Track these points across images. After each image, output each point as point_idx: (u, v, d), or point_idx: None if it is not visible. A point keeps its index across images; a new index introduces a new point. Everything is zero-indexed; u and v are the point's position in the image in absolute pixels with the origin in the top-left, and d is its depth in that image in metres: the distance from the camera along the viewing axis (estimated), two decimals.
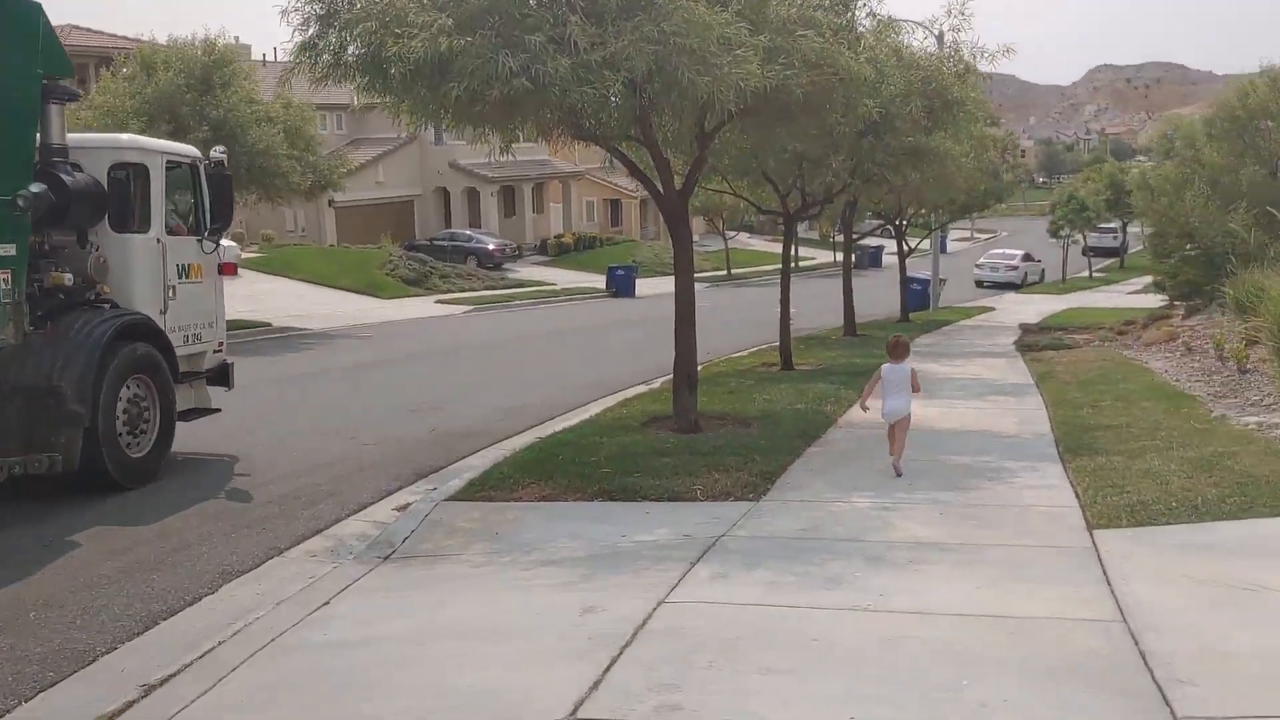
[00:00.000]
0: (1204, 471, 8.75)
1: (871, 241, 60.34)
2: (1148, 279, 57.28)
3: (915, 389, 10.02)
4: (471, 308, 35.89)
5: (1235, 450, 9.48)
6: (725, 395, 14.01)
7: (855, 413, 12.28)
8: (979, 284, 50.53)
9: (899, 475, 9.42)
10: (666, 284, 41.95)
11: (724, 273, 52.97)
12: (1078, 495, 8.57)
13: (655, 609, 6.13)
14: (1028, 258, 52.90)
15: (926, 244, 39.60)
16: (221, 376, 11.72)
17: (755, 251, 62.02)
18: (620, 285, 42.85)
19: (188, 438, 11.14)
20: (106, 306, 9.93)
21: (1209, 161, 23.87)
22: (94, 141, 10.89)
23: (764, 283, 46.55)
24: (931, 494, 8.86)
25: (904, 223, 30.72)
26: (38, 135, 9.24)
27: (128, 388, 9.73)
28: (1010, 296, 45.37)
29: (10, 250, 8.59)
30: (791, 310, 22.43)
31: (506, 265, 51.76)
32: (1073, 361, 18.79)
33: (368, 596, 6.84)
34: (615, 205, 68.91)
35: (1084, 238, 55.11)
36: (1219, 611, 5.95)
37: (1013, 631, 5.68)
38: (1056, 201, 53.55)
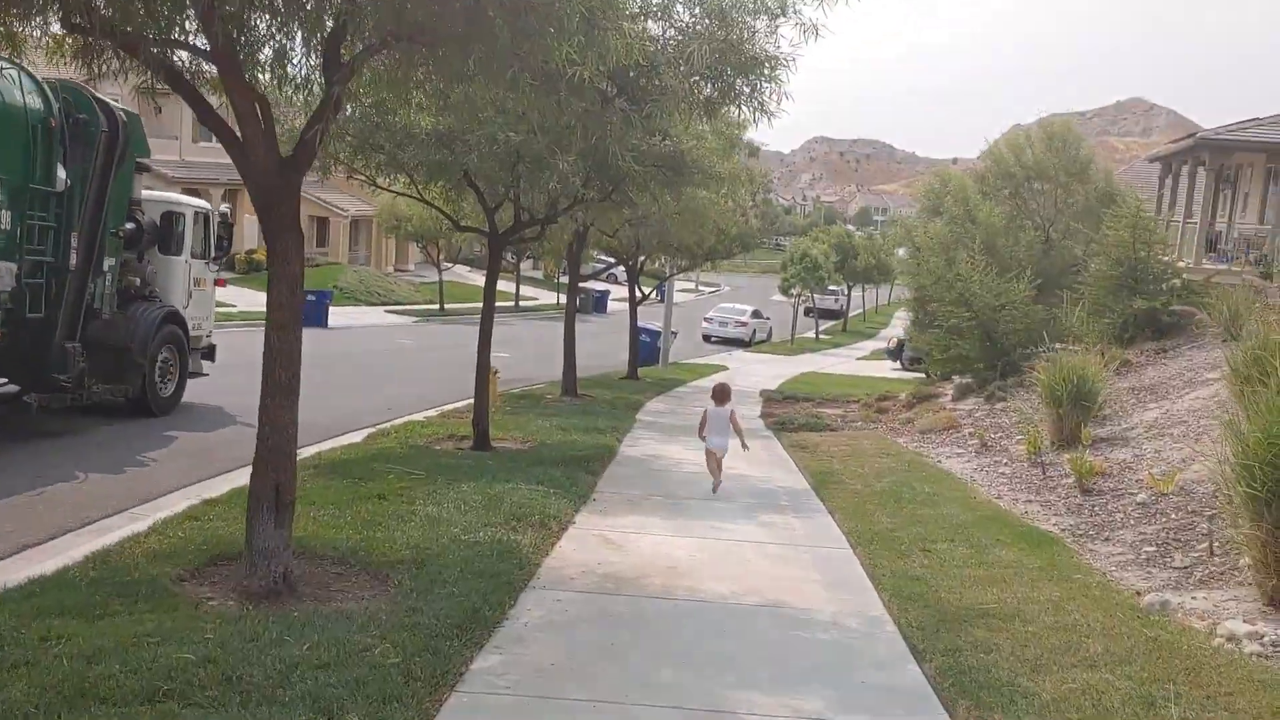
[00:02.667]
0: None
1: (597, 285, 56.93)
2: (872, 344, 57.12)
3: (737, 428, 12.00)
4: None
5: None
6: (365, 508, 8.77)
7: (565, 559, 7.47)
8: (706, 338, 47.53)
9: (715, 492, 11.52)
10: (370, 315, 35.81)
11: (437, 307, 47.52)
12: None
13: None
14: (757, 314, 50.51)
15: (655, 294, 35.91)
16: (210, 353, 16.47)
17: (476, 287, 56.86)
18: (308, 313, 36.46)
19: None
20: (156, 301, 14.82)
21: (985, 221, 21.08)
22: (153, 196, 15.79)
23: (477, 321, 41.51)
24: None
25: (640, 264, 26.55)
26: None
27: (163, 351, 14.57)
28: (740, 354, 42.42)
29: (112, 262, 13.68)
30: (494, 365, 17.56)
31: None
32: (845, 452, 14.82)
33: None
34: (323, 223, 61.97)
35: (812, 298, 53.45)
36: None
37: None
38: (788, 260, 51.58)
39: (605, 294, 56.84)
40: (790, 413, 21.34)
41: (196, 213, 16.01)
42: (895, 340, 40.59)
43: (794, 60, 7.65)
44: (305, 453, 12.25)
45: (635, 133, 8.18)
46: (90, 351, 12.98)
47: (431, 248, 46.48)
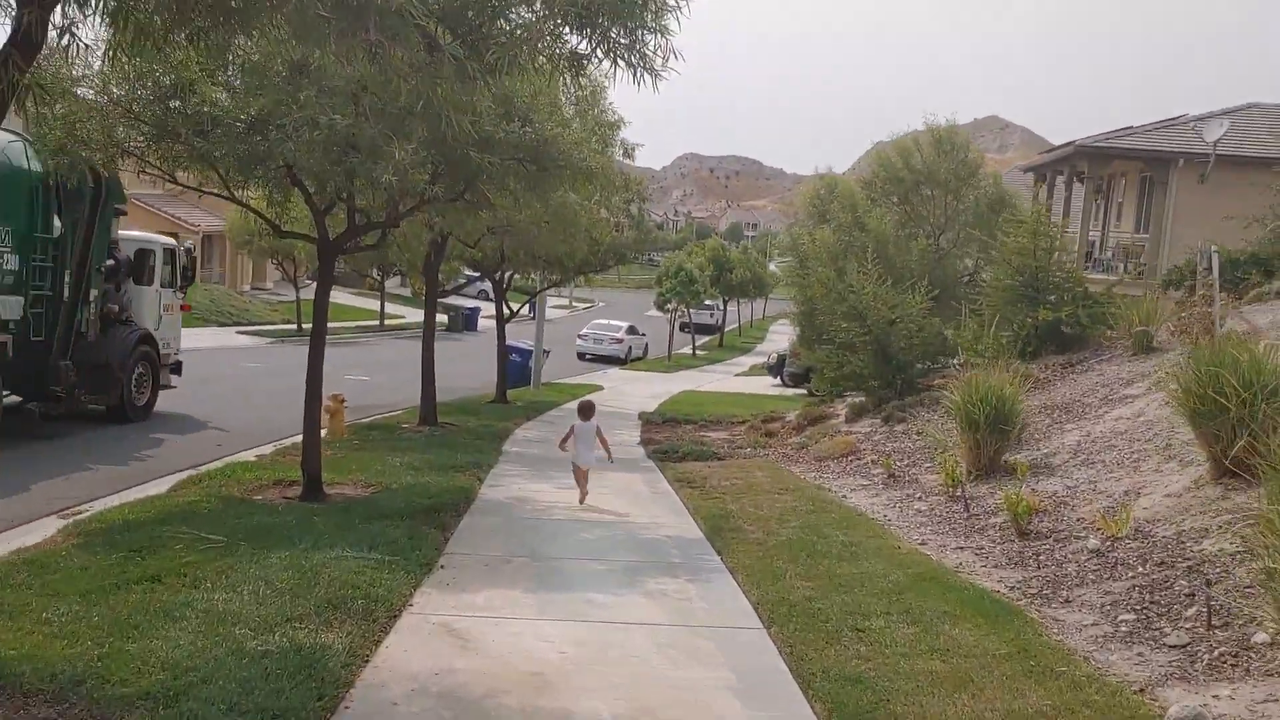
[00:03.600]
0: None
1: (468, 301, 54.44)
2: (750, 359, 55.91)
3: (603, 442, 12.56)
4: None
5: None
6: (126, 599, 6.54)
7: (391, 668, 5.49)
8: (581, 356, 45.61)
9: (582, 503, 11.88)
10: (220, 336, 32.37)
11: (294, 327, 44.49)
12: None
13: None
14: (632, 330, 48.82)
15: (527, 309, 33.86)
16: (177, 369, 18.93)
17: (340, 305, 53.83)
18: None
19: None
20: (131, 325, 17.23)
21: (875, 228, 19.71)
22: (128, 235, 18.35)
23: (342, 341, 38.83)
24: None
25: (505, 279, 24.51)
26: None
27: (138, 368, 16.94)
28: (615, 373, 40.59)
29: (96, 293, 16.16)
30: (342, 393, 15.51)
31: None
32: (739, 486, 13.05)
33: None
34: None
35: (688, 313, 52.05)
36: None
37: None
38: (663, 274, 50.08)
39: (475, 311, 54.43)
40: (672, 438, 19.57)
41: (165, 248, 18.75)
42: (775, 355, 39.34)
43: (684, 5, 5.82)
44: (88, 509, 9.94)
45: (477, 95, 6.21)
46: (79, 368, 15.52)
47: (288, 264, 43.49)
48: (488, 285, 27.66)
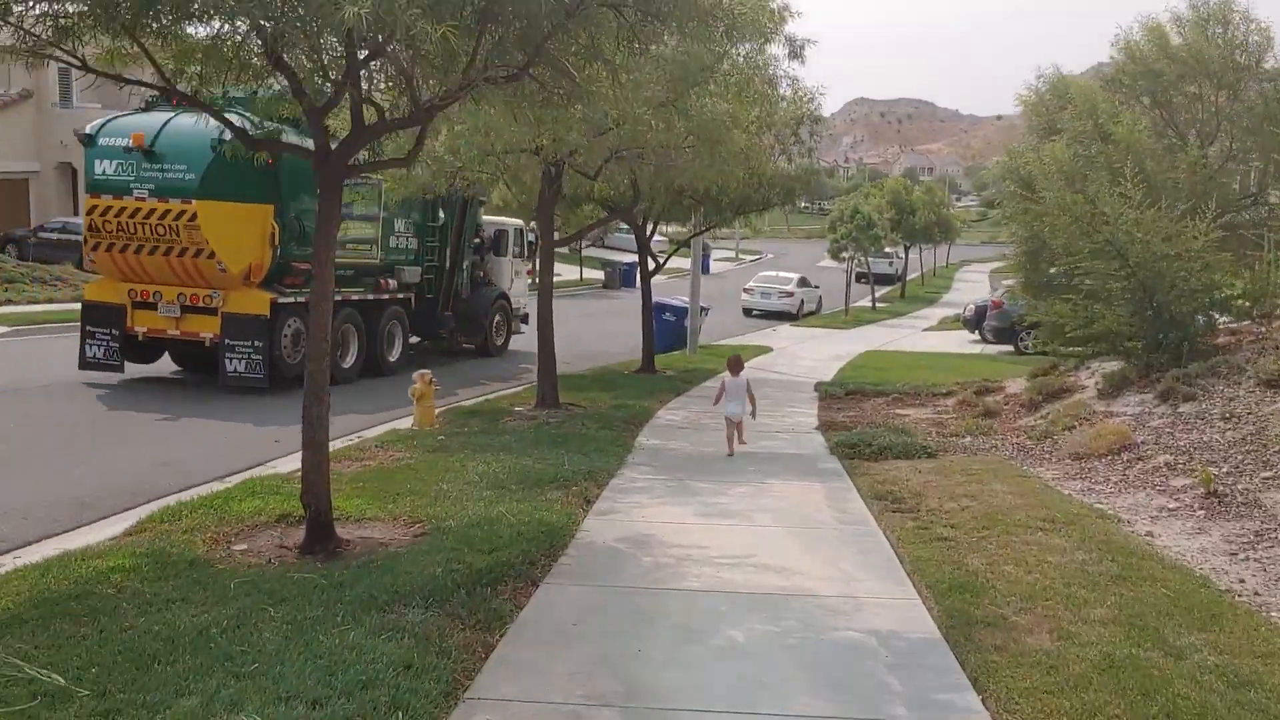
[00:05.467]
0: None
1: (627, 255, 50.62)
2: (937, 310, 50.08)
3: (751, 399, 12.32)
4: (12, 329, 22.78)
5: None
6: None
7: None
8: (747, 312, 41.18)
9: (731, 455, 11.83)
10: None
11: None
12: None
13: None
14: (804, 282, 43.98)
15: (687, 262, 29.67)
16: (525, 319, 23.41)
17: None
18: None
19: None
20: (493, 286, 22.83)
21: (1126, 138, 14.68)
22: (488, 220, 23.12)
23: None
24: None
25: (649, 221, 20.36)
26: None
27: (496, 316, 22.63)
28: (787, 331, 36.04)
29: (468, 264, 21.94)
30: (426, 371, 11.99)
31: None
32: (973, 513, 8.58)
33: None
34: None
35: (866, 262, 46.85)
36: None
37: None
38: (837, 219, 45.04)
39: (634, 266, 50.58)
40: (860, 418, 15.11)
41: (515, 229, 23.73)
42: (972, 307, 34.06)
43: None
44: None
45: None
46: (456, 317, 21.40)
47: None
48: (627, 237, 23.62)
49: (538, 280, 16.09)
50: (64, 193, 44.37)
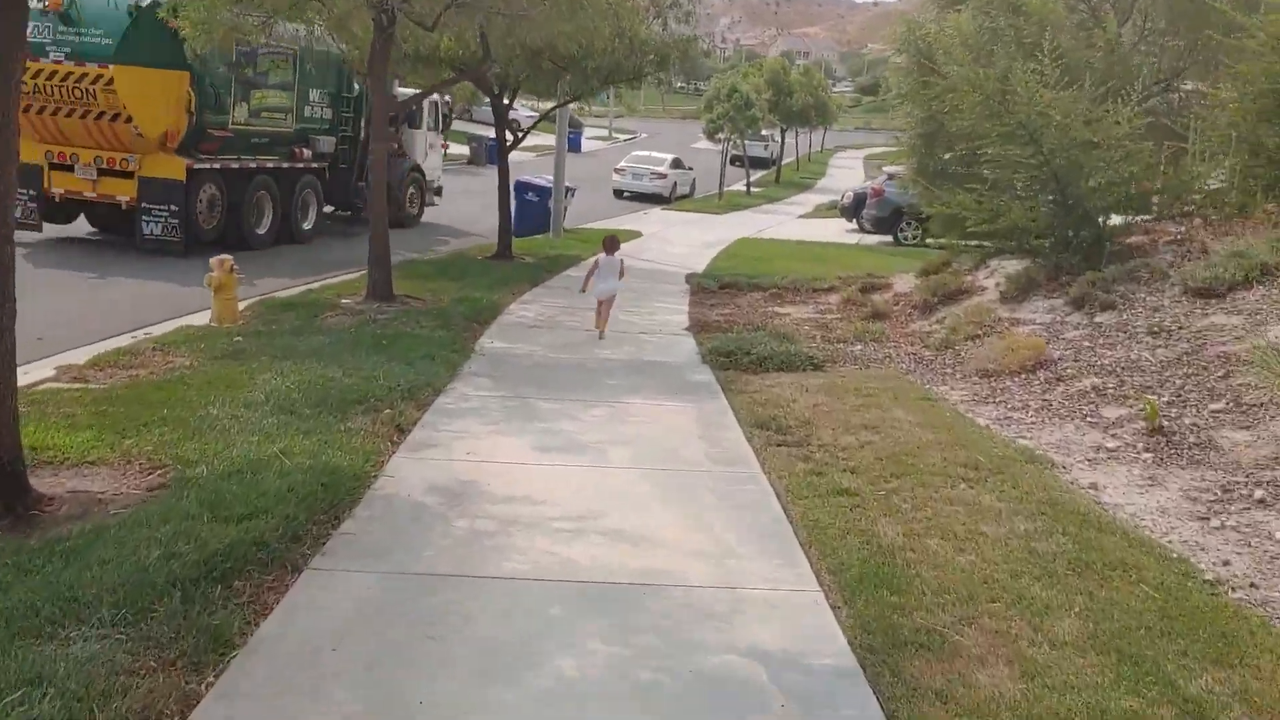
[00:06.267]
0: None
1: (490, 130, 47.46)
2: (813, 197, 48.59)
3: (622, 274, 12.01)
4: None
5: None
6: None
7: None
8: (618, 194, 39.06)
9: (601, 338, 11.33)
10: None
11: None
12: None
13: None
14: (677, 164, 41.90)
15: (551, 140, 27.31)
16: (438, 192, 24.36)
17: None
18: None
19: None
20: (406, 158, 22.50)
21: (1038, 9, 13.00)
22: (402, 92, 20.35)
23: None
24: None
25: (510, 91, 18.07)
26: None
27: (410, 189, 22.59)
28: (658, 214, 34.10)
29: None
30: (227, 257, 10.09)
31: None
32: (876, 449, 6.99)
33: None
34: None
35: (742, 144, 44.97)
36: None
37: None
38: (713, 97, 42.89)
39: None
40: (736, 317, 13.47)
41: (430, 102, 23.02)
42: (850, 194, 32.64)
43: None
44: None
45: None
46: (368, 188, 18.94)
47: None
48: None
49: (370, 152, 13.76)
50: None
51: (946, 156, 15.26)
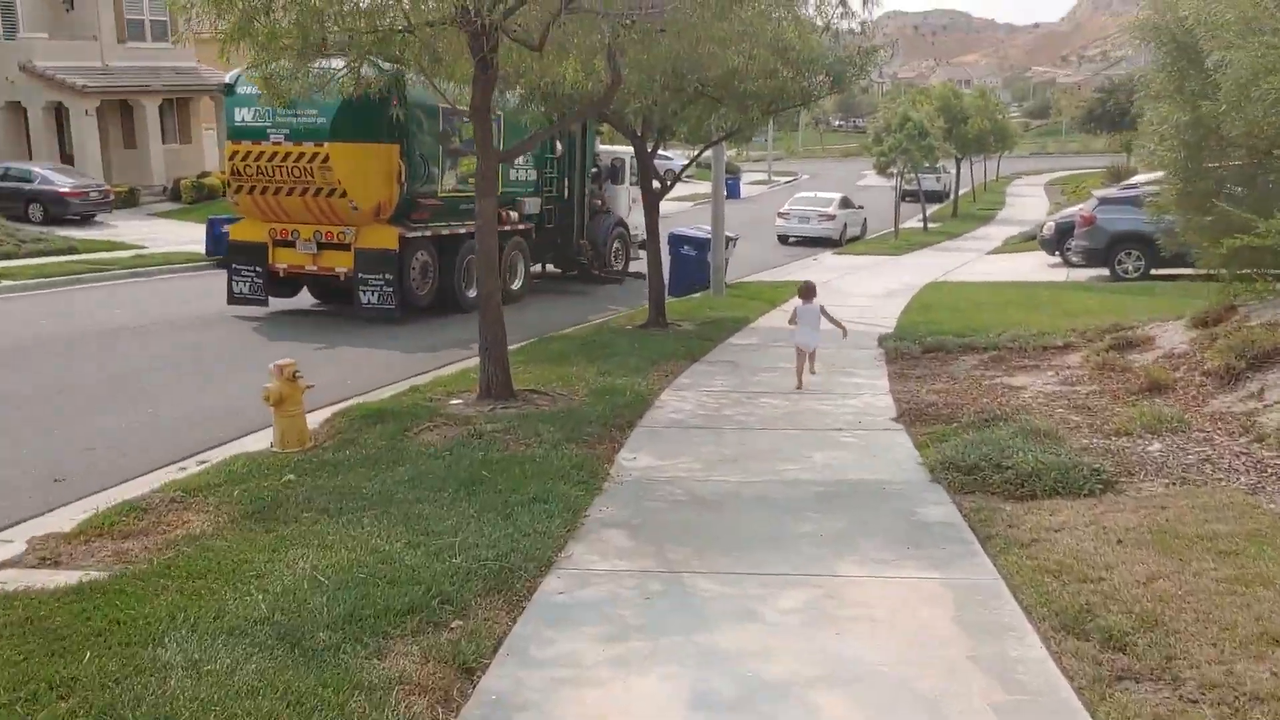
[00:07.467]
0: None
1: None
2: (997, 230, 43.96)
3: (831, 319, 11.38)
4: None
5: None
6: None
7: None
8: (783, 239, 35.98)
9: (799, 388, 10.75)
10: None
11: None
12: None
13: None
14: (846, 203, 38.45)
15: (707, 188, 24.58)
16: (642, 245, 18.89)
17: None
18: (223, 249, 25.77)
19: None
20: (610, 214, 22.88)
21: None
22: (604, 149, 23.38)
23: None
24: None
25: (646, 132, 15.28)
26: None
27: (615, 243, 22.74)
28: (830, 260, 30.86)
29: (586, 193, 22.11)
30: (288, 361, 7.44)
31: (98, 217, 34.20)
32: None
33: None
34: None
35: (916, 177, 41.31)
36: None
37: None
38: (882, 129, 39.50)
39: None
40: (954, 396, 10.19)
41: (630, 157, 21.54)
42: (1052, 224, 28.64)
43: None
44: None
45: None
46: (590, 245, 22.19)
47: None
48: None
49: (477, 213, 11.11)
50: (15, 136, 39.57)
51: (1219, 167, 11.69)
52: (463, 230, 16.94)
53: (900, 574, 5.58)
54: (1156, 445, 7.85)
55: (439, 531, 5.99)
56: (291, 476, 7.41)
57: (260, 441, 8.85)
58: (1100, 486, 6.88)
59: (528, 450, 8.05)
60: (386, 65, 11.69)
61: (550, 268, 22.66)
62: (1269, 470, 6.99)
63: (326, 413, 9.81)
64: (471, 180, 15.35)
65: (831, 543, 6.09)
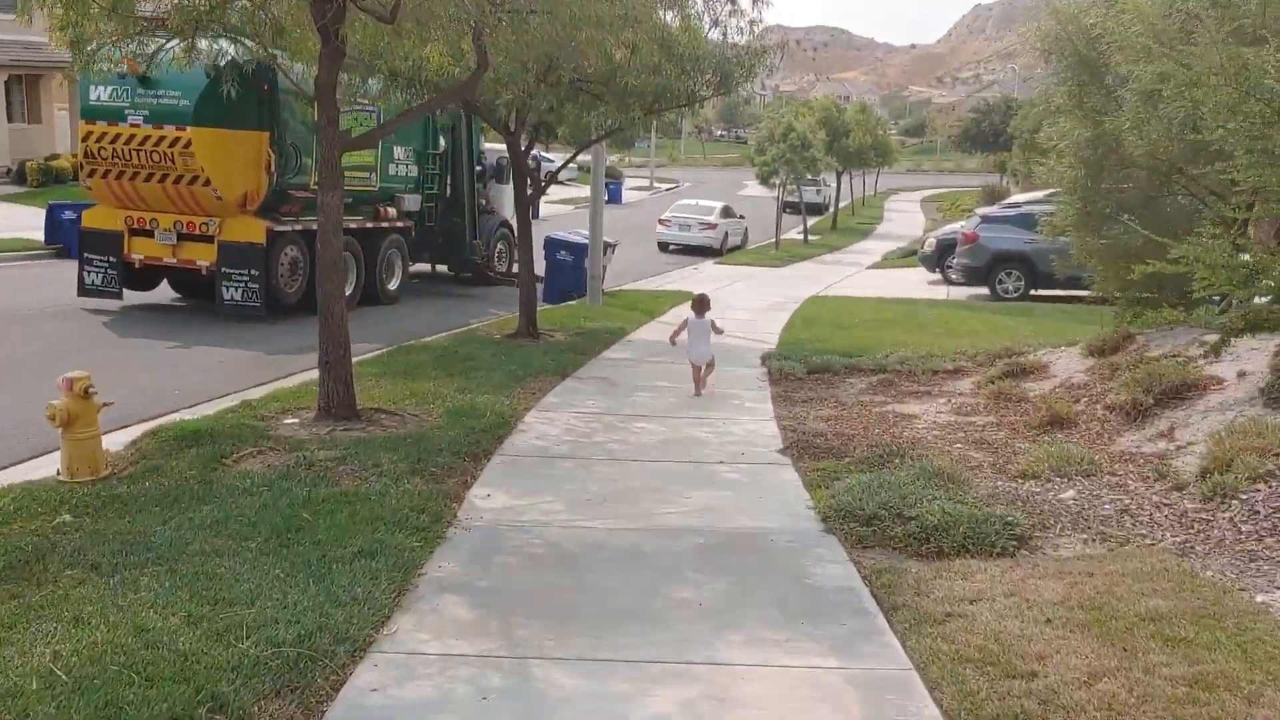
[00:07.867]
0: None
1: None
2: (876, 244, 43.78)
3: (718, 331, 11.28)
4: None
5: None
6: None
7: None
8: (663, 247, 35.18)
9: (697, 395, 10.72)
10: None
11: None
12: None
13: None
14: (728, 212, 37.80)
15: (574, 176, 23.68)
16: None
17: None
18: (70, 238, 23.46)
19: None
20: (495, 214, 21.98)
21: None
22: (489, 148, 22.44)
23: None
24: None
25: (519, 128, 14.17)
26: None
27: (499, 244, 21.86)
28: (711, 270, 30.14)
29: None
30: (80, 375, 6.05)
31: None
32: None
33: None
34: None
35: (798, 189, 41.00)
36: None
37: None
38: (765, 139, 39.07)
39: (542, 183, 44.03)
40: (843, 425, 9.37)
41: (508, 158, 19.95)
42: (933, 240, 28.48)
43: None
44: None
45: None
46: (461, 245, 20.87)
47: None
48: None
49: (319, 207, 9.87)
50: None
51: (1118, 190, 11.16)
52: (354, 225, 16.34)
53: (794, 661, 4.62)
54: (1070, 492, 7.09)
55: (232, 600, 4.82)
56: (68, 517, 6.12)
57: (50, 466, 7.48)
58: (1014, 544, 6.07)
59: (362, 485, 6.90)
60: (224, 40, 10.29)
61: (442, 268, 21.54)
62: (1194, 526, 6.28)
63: (138, 430, 8.48)
64: (347, 173, 14.23)
65: (713, 615, 5.11)
